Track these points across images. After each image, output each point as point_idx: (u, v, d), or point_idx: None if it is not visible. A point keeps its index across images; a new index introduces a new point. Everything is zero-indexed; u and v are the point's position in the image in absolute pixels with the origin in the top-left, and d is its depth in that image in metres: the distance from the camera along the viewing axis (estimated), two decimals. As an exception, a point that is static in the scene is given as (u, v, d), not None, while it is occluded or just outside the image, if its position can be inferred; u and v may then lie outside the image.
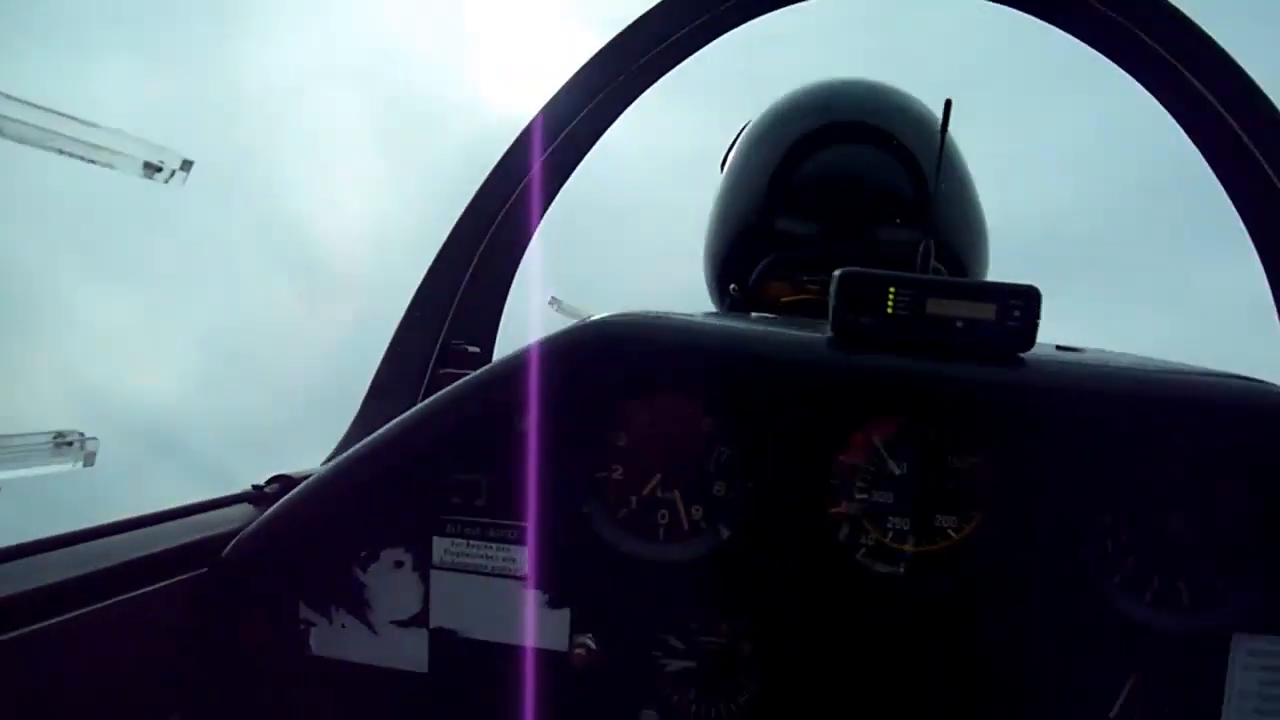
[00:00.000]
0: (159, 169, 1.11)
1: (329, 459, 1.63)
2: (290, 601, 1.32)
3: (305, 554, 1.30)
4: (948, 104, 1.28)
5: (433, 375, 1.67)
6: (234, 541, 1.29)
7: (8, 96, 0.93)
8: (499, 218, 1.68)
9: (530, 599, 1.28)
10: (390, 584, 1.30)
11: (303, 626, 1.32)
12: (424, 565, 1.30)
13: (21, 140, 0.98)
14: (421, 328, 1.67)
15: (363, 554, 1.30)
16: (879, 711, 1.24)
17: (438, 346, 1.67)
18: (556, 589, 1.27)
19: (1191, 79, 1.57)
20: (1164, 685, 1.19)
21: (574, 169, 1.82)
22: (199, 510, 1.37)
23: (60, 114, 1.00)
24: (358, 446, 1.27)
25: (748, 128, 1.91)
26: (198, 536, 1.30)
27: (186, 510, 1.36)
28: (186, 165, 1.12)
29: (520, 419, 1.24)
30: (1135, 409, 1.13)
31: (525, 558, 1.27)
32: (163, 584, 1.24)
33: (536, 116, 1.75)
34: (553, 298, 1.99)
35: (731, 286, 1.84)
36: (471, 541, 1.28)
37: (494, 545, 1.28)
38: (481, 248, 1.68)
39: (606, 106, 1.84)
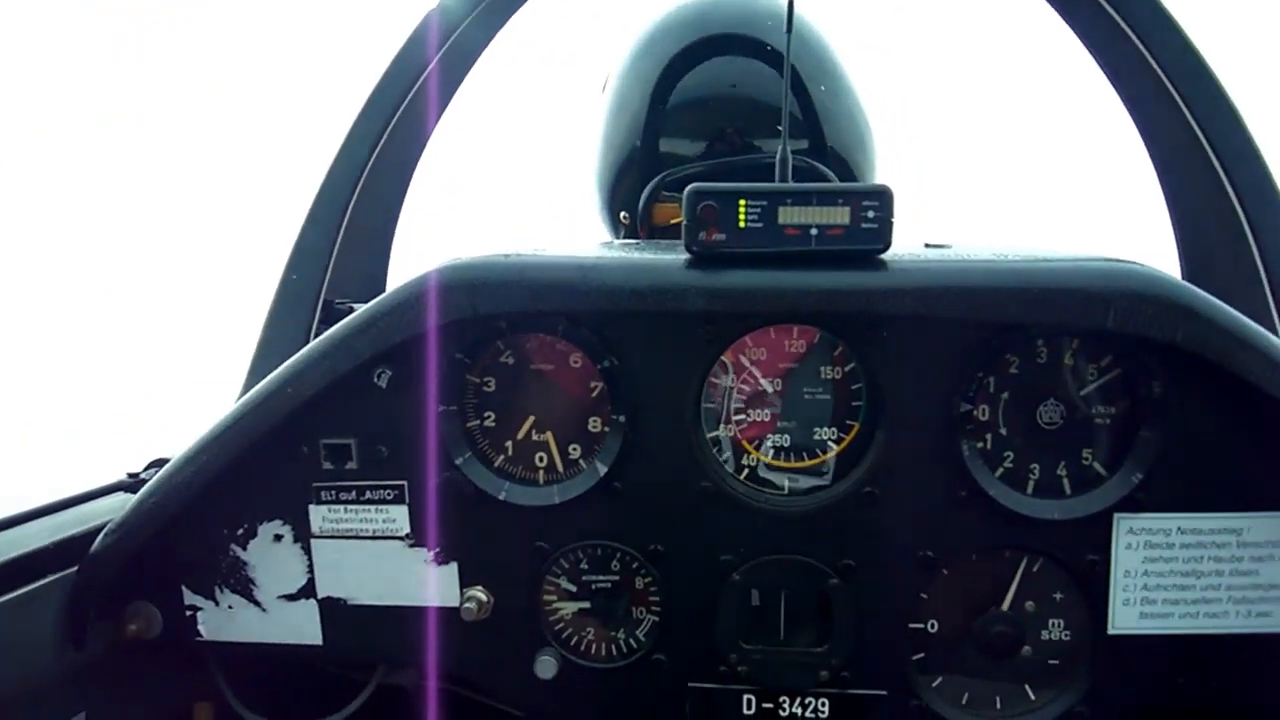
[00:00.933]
0: None
1: None
2: (172, 588, 1.28)
3: (181, 537, 1.26)
4: (790, 4, 1.23)
5: (315, 335, 1.60)
6: (103, 534, 1.24)
7: None
8: (375, 152, 1.60)
9: (416, 558, 1.25)
10: (272, 559, 1.27)
11: (189, 613, 1.29)
12: (304, 536, 1.26)
13: None
14: (300, 287, 1.60)
15: (240, 531, 1.26)
16: (778, 627, 1.23)
17: (318, 306, 1.61)
18: (441, 545, 1.24)
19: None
20: (1052, 572, 1.20)
21: (458, 83, 1.72)
22: (70, 505, 1.32)
23: None
24: (221, 419, 1.22)
25: (624, 48, 1.84)
26: (69, 534, 1.26)
27: (56, 506, 1.31)
28: None
29: (381, 374, 1.20)
30: (995, 301, 1.11)
31: (405, 517, 1.24)
32: (31, 587, 1.19)
33: (425, 19, 1.64)
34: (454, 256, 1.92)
35: (622, 214, 1.79)
36: (349, 506, 1.24)
37: (372, 508, 1.24)
38: (352, 201, 1.61)
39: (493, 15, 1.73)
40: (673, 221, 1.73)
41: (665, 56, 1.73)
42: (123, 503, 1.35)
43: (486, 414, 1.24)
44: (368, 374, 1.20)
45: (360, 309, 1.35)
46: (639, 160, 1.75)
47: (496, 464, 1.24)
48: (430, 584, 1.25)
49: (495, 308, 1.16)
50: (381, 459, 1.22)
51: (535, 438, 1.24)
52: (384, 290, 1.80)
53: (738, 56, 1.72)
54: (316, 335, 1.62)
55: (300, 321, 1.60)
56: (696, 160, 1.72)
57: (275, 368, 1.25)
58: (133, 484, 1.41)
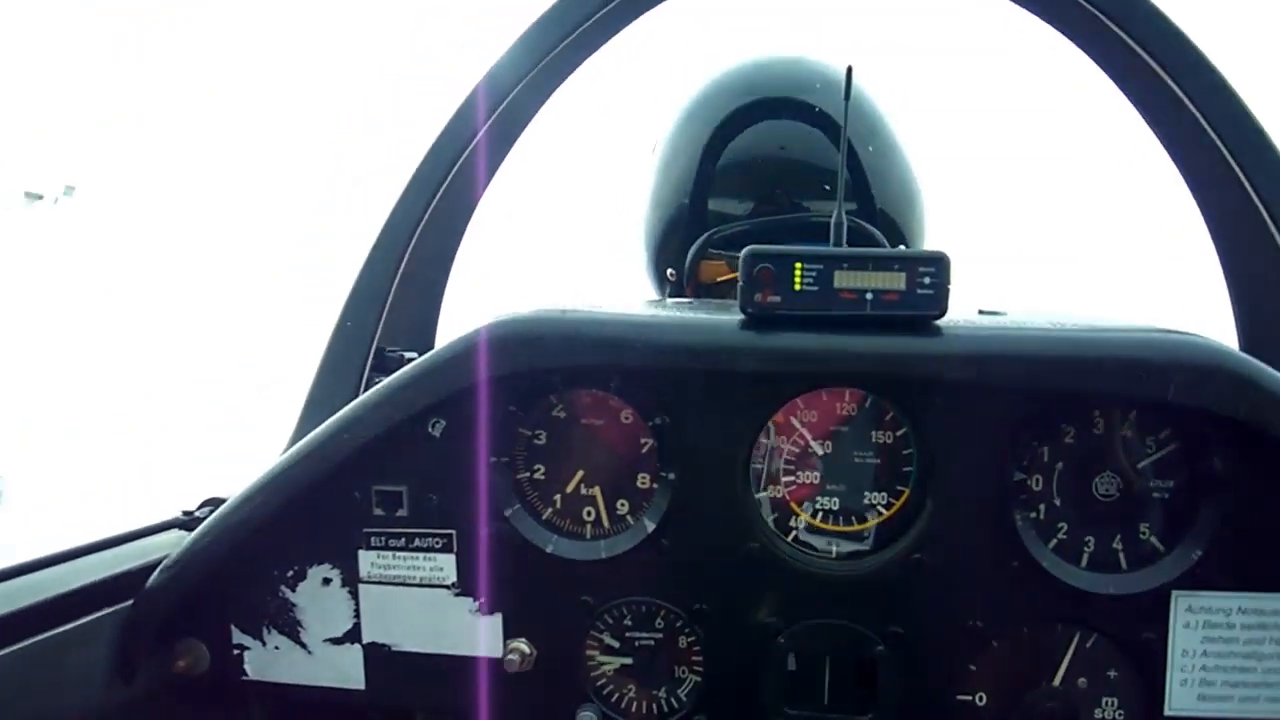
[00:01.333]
0: (40, 197, 1.08)
1: None
2: (221, 627, 1.30)
3: (233, 577, 1.28)
4: (849, 71, 1.25)
5: (368, 386, 1.64)
6: (158, 570, 1.27)
7: None
8: (431, 208, 1.64)
9: (461, 607, 1.25)
10: (320, 602, 1.28)
11: (236, 651, 1.30)
12: (352, 580, 1.27)
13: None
14: (355, 334, 1.64)
15: (290, 573, 1.28)
16: (821, 692, 1.22)
17: (370, 353, 1.64)
18: (486, 595, 1.25)
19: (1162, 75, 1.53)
20: (1107, 649, 1.17)
21: (511, 145, 1.77)
22: (126, 540, 1.35)
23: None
24: (276, 462, 1.25)
25: (675, 109, 1.88)
26: (125, 567, 1.28)
27: (112, 542, 1.33)
28: (69, 190, 1.09)
29: (435, 424, 1.22)
30: (1052, 370, 1.11)
31: (452, 566, 1.25)
32: (86, 619, 1.22)
33: (477, 87, 1.69)
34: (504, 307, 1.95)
35: (669, 271, 1.81)
36: (397, 553, 1.26)
37: (420, 555, 1.25)
38: (409, 249, 1.64)
39: (544, 81, 1.78)
40: (719, 279, 1.74)
41: (715, 118, 1.76)
42: (177, 540, 1.38)
43: (536, 466, 1.25)
44: (422, 423, 1.21)
45: (412, 357, 1.38)
46: (687, 218, 1.77)
47: (545, 516, 1.25)
48: (475, 634, 1.26)
49: (549, 362, 1.18)
50: (432, 507, 1.24)
51: (584, 492, 1.25)
52: (434, 339, 1.85)
53: (787, 119, 1.75)
54: (368, 381, 1.65)
55: (354, 367, 1.63)
56: (744, 219, 1.74)
57: (329, 411, 1.27)
58: (187, 522, 1.43)
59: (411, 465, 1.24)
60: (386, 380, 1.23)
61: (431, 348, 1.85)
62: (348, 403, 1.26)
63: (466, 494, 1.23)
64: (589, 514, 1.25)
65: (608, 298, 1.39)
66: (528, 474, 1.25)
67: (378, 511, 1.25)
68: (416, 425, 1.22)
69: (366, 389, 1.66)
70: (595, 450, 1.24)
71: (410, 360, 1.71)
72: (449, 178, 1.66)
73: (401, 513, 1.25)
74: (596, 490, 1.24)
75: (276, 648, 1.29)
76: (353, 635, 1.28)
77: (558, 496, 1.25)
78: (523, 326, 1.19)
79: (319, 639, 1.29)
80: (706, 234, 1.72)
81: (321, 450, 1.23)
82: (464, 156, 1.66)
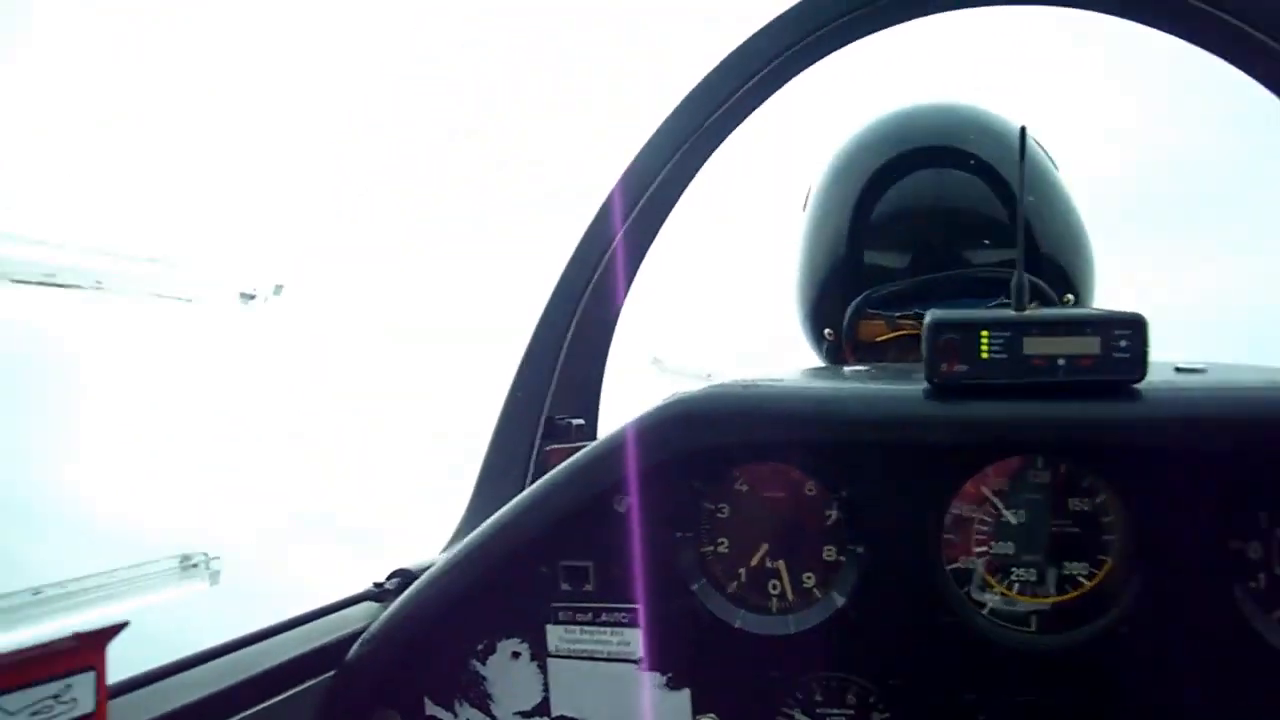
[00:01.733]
0: (253, 296, 1.16)
1: (446, 547, 1.67)
2: (416, 699, 1.34)
3: (426, 650, 1.33)
4: (1023, 132, 1.24)
5: (539, 453, 1.69)
6: (358, 643, 1.33)
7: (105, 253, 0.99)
8: (590, 285, 1.70)
9: (648, 682, 1.26)
10: (509, 675, 1.31)
11: None
12: (540, 654, 1.30)
13: (122, 292, 1.04)
14: (525, 407, 1.70)
15: (480, 647, 1.31)
16: None
17: (541, 424, 1.70)
18: (674, 670, 1.25)
19: None
20: None
21: (660, 225, 1.82)
22: (323, 614, 1.42)
23: (155, 260, 1.06)
24: (468, 539, 1.30)
25: (824, 165, 1.88)
26: (323, 641, 1.35)
27: (311, 616, 1.40)
28: (278, 289, 1.18)
29: (620, 500, 1.24)
30: (1269, 434, 1.05)
31: (639, 640, 1.26)
32: (291, 692, 1.28)
33: (616, 185, 1.77)
34: (655, 358, 1.99)
35: (826, 331, 1.80)
36: (585, 627, 1.28)
37: (607, 630, 1.27)
38: (575, 320, 1.71)
39: (688, 161, 1.84)
40: (879, 339, 1.72)
41: (867, 171, 1.75)
42: (369, 612, 1.44)
43: (720, 540, 1.25)
44: (608, 500, 1.24)
45: (579, 423, 1.42)
46: (842, 276, 1.76)
47: (730, 590, 1.25)
48: (663, 709, 1.26)
49: (733, 439, 1.19)
50: (618, 582, 1.26)
51: (769, 565, 1.24)
52: (598, 403, 1.90)
53: (941, 169, 1.72)
54: (539, 449, 1.71)
55: (526, 436, 1.69)
56: (902, 275, 1.71)
57: (506, 479, 1.32)
58: (378, 594, 1.50)
59: (598, 540, 1.26)
60: (573, 458, 1.27)
61: (596, 413, 1.91)
62: (523, 471, 1.31)
63: (652, 569, 1.25)
64: (774, 587, 1.24)
65: (779, 367, 1.40)
66: (712, 548, 1.26)
67: (564, 586, 1.28)
68: (602, 502, 1.24)
69: (538, 457, 1.71)
70: (779, 523, 1.24)
71: (577, 426, 1.76)
72: (611, 246, 1.72)
73: (588, 587, 1.27)
74: (781, 564, 1.24)
75: None
76: (542, 709, 1.30)
77: (742, 570, 1.25)
78: (705, 404, 1.20)
79: (509, 712, 1.32)
80: (864, 293, 1.71)
81: (511, 527, 1.27)
82: (630, 219, 1.72)
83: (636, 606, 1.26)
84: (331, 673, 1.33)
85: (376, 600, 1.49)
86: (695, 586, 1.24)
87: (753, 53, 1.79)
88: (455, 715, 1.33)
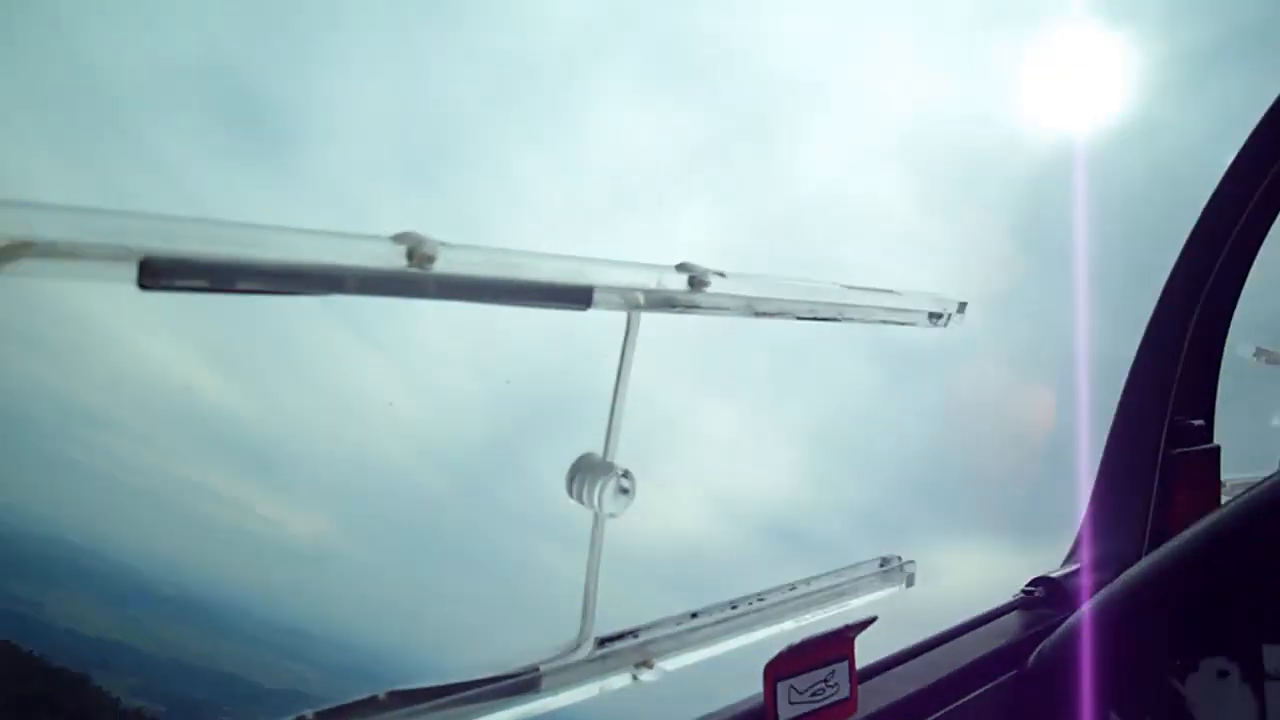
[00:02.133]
0: (939, 315, 1.21)
1: (1070, 554, 1.62)
2: (1100, 712, 1.32)
3: (1113, 662, 1.29)
4: None
5: (1165, 457, 1.59)
6: (1036, 651, 1.33)
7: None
8: (1209, 280, 1.56)
9: None
10: (1213, 696, 1.23)
11: None
12: (1255, 676, 1.20)
13: (850, 320, 1.12)
14: (1144, 409, 1.60)
15: (1179, 663, 1.25)
16: None
17: (1165, 425, 1.59)
18: None
19: None
20: None
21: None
22: (988, 619, 1.45)
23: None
24: (1159, 554, 1.24)
25: None
26: (997, 645, 1.37)
27: (978, 621, 1.44)
28: (961, 307, 1.21)
29: None
30: None
31: None
32: (979, 692, 1.32)
33: (1224, 175, 1.60)
34: (1258, 349, 1.78)
35: None
36: None
37: None
38: (1194, 317, 1.57)
39: None
40: None
41: None
42: (1021, 619, 1.45)
43: None
44: None
45: (1200, 424, 1.29)
46: None
47: None
48: None
49: None
50: None
51: None
52: (1213, 404, 1.73)
53: None
54: (1164, 450, 1.60)
55: (1149, 438, 1.59)
56: None
57: (1126, 484, 1.23)
58: (1027, 602, 1.50)
59: None
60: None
61: (1213, 412, 1.75)
62: (1148, 472, 1.21)
63: None
64: None
65: None
66: None
67: None
68: None
69: (1164, 459, 1.61)
70: None
71: (1198, 427, 1.62)
72: (1236, 229, 1.56)
73: None
74: None
75: None
76: None
77: None
78: None
79: None
80: None
81: (1211, 549, 1.20)
82: (1249, 209, 1.55)
83: None
84: (1011, 673, 1.35)
85: (1027, 608, 1.49)
86: None
87: None
88: None
